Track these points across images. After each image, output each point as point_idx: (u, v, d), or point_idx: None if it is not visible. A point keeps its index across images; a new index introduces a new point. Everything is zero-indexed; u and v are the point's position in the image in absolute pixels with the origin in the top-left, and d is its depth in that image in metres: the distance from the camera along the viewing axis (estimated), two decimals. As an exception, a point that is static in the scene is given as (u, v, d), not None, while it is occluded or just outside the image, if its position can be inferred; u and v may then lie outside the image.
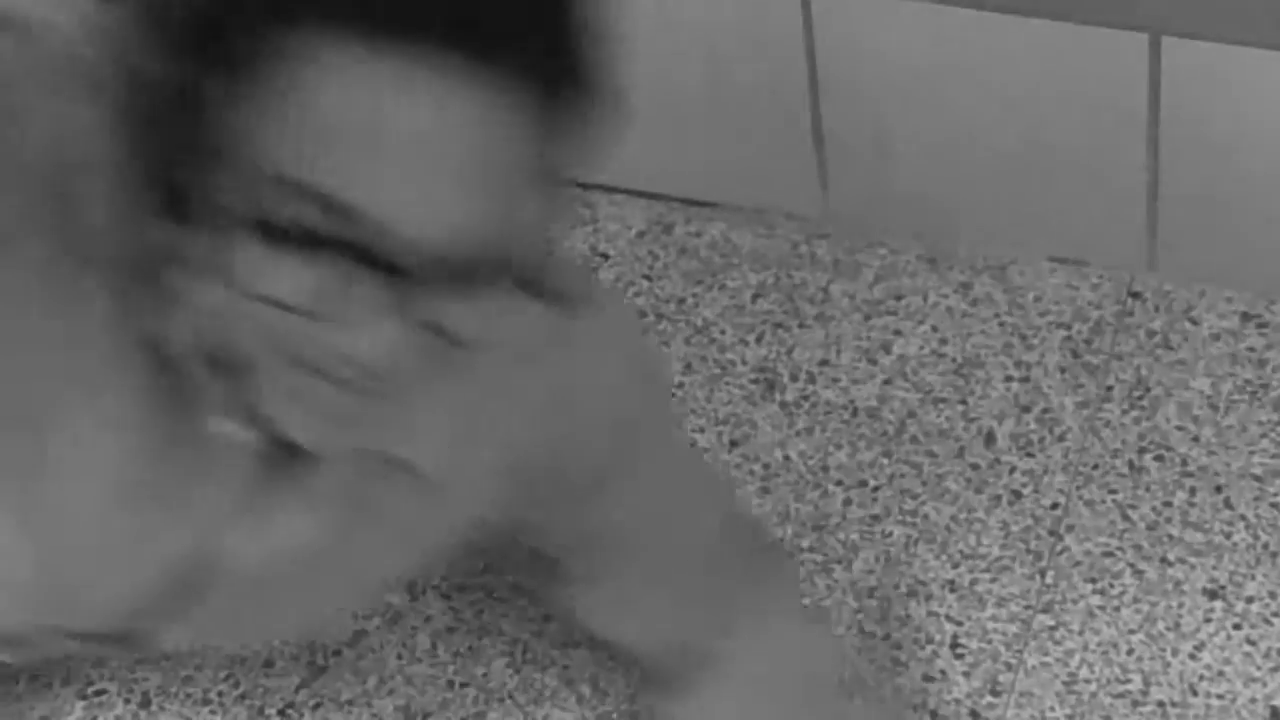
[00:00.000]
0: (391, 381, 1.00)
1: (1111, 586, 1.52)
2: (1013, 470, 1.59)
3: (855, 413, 1.64)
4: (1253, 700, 1.45)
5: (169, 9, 0.94)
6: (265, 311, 0.96)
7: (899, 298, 1.72)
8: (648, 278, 1.77)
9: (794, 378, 1.67)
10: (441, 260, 0.95)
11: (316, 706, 1.51)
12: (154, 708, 1.52)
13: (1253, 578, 1.52)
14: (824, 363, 1.68)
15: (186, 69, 0.94)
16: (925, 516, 1.57)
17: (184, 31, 0.94)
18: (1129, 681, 1.47)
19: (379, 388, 1.00)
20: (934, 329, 1.70)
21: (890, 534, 1.56)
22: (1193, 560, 1.53)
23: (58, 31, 1.03)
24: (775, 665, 1.38)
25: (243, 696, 1.51)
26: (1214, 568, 1.52)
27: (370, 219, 0.94)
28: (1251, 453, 1.58)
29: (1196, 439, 1.60)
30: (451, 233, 0.95)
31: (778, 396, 1.66)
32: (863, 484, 1.60)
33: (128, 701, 1.52)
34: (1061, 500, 1.57)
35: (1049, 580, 1.53)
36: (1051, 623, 1.50)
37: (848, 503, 1.59)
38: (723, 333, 1.72)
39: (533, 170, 0.96)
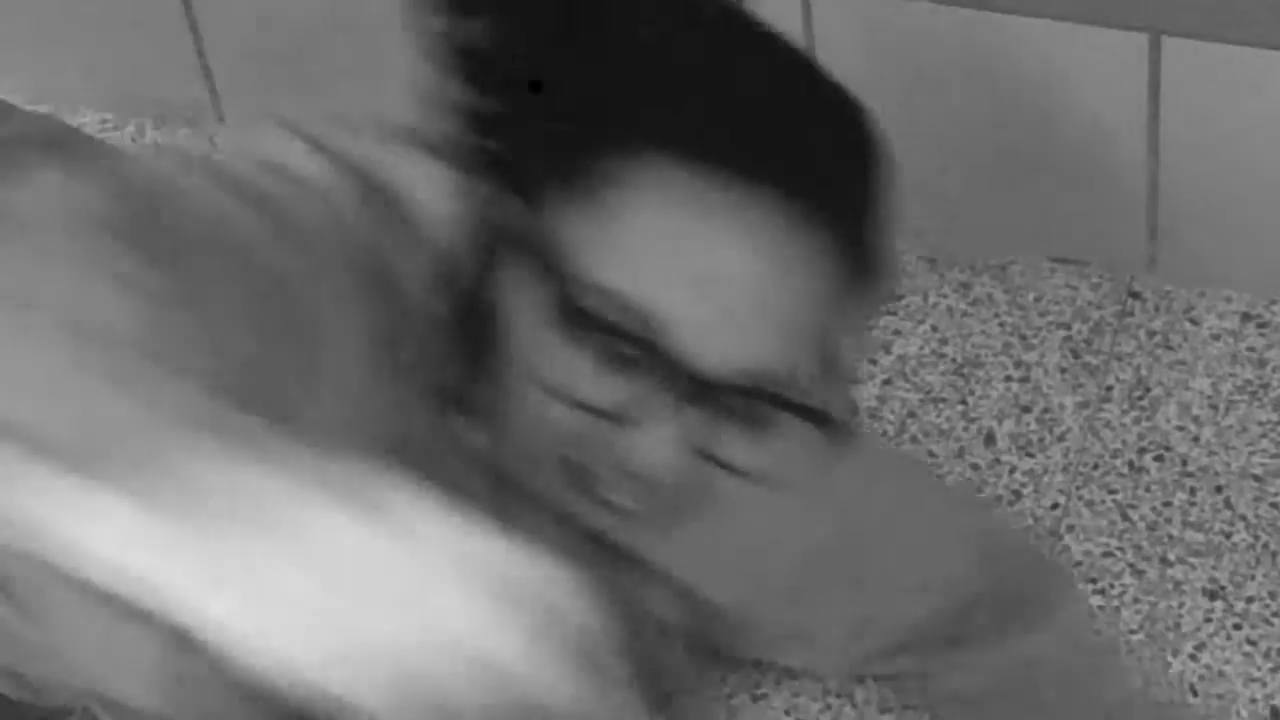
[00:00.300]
0: (662, 501, 1.05)
1: (1111, 586, 1.52)
2: (1013, 470, 1.59)
3: (855, 413, 1.64)
4: (1253, 700, 1.45)
5: (523, 165, 1.01)
6: (561, 412, 1.01)
7: (899, 298, 1.72)
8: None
9: (794, 378, 1.67)
10: (729, 388, 1.00)
11: (316, 707, 1.51)
12: (154, 708, 1.52)
13: (1253, 578, 1.52)
14: (824, 363, 1.68)
15: (522, 200, 1.01)
16: (925, 516, 1.57)
17: (532, 177, 1.01)
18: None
19: (648, 504, 1.05)
20: (934, 329, 1.70)
21: (890, 534, 1.56)
22: (1193, 560, 1.53)
23: (415, 202, 1.07)
24: (1031, 670, 1.37)
25: (242, 697, 1.51)
26: (1214, 568, 1.52)
27: (672, 335, 0.99)
28: (1251, 453, 1.58)
29: (1196, 439, 1.60)
30: (745, 364, 1.00)
31: (778, 396, 1.66)
32: (863, 484, 1.60)
33: (127, 702, 1.52)
34: (1061, 500, 1.57)
35: (1049, 580, 1.53)
36: (1051, 623, 1.50)
37: (848, 503, 1.59)
38: (723, 333, 1.71)
39: (824, 323, 1.03)
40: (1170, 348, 1.66)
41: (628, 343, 0.99)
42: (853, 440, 1.08)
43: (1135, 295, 1.70)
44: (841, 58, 1.65)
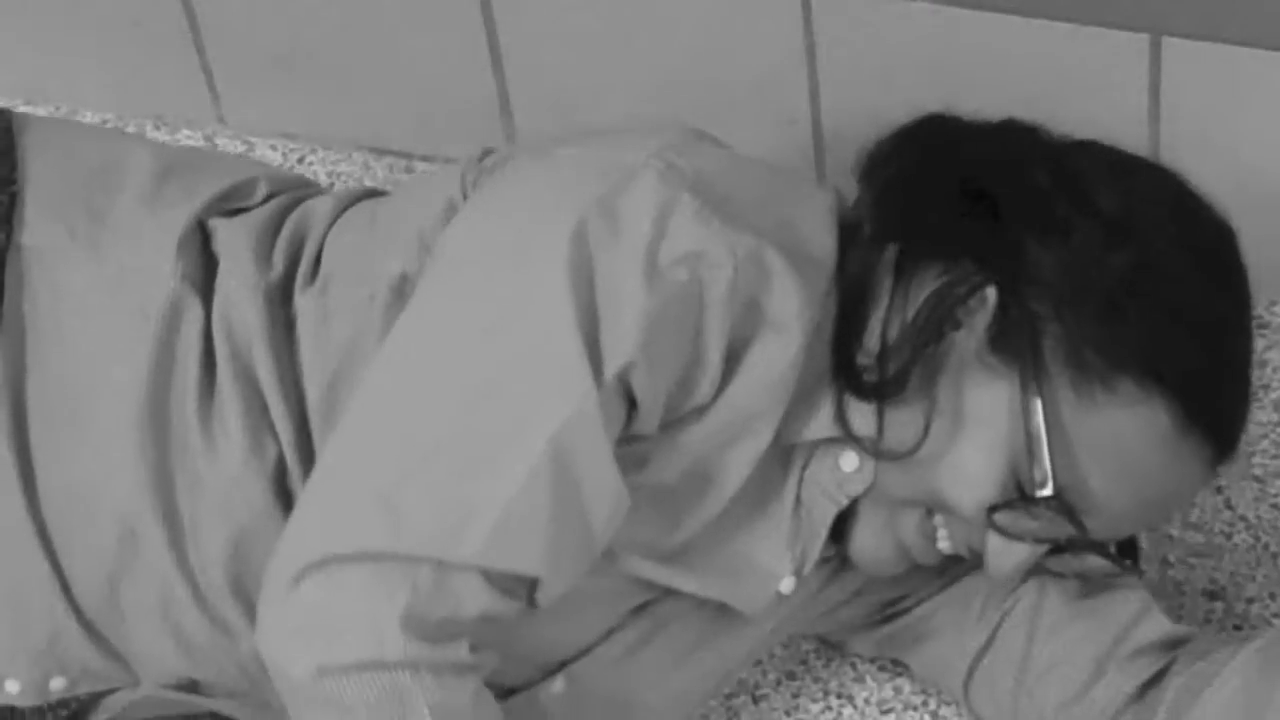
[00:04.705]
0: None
1: (1112, 587, 1.51)
2: (1013, 471, 1.59)
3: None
4: (1253, 701, 1.45)
5: None
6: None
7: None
8: (648, 278, 1.76)
9: (794, 378, 1.67)
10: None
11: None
12: (153, 708, 1.51)
13: (1253, 579, 1.52)
14: (824, 363, 1.68)
15: None
16: (925, 517, 1.57)
17: None
18: (1129, 682, 1.46)
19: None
20: (934, 329, 1.69)
21: (890, 534, 1.56)
22: (1193, 561, 1.53)
23: None
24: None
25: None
26: (1214, 569, 1.52)
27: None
28: (1251, 454, 1.58)
29: (1197, 439, 1.59)
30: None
31: (778, 397, 1.66)
32: (863, 484, 1.59)
33: (127, 702, 1.52)
34: (1061, 501, 1.57)
35: (1049, 581, 1.52)
36: (1051, 623, 1.50)
37: (848, 503, 1.58)
38: (723, 333, 1.71)
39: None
40: (1170, 348, 1.65)
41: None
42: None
43: (1135, 295, 1.69)
44: (841, 58, 1.65)
